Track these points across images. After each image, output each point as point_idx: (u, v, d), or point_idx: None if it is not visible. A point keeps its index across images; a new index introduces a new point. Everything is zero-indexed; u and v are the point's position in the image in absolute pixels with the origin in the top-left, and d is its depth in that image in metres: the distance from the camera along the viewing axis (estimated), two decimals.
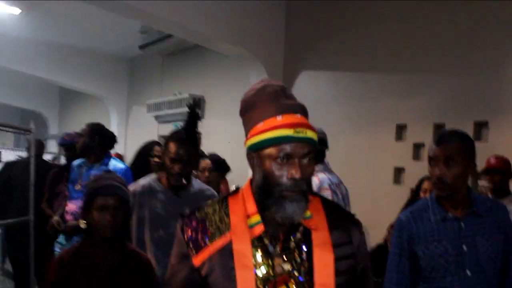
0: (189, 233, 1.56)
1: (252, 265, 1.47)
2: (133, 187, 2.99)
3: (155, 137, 9.18)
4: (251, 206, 1.53)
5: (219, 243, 1.51)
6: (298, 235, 1.52)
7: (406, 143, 5.49)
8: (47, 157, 5.82)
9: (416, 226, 2.37)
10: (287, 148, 1.44)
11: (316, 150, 1.50)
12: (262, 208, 1.51)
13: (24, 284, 5.49)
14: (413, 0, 5.51)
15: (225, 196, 1.64)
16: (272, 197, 1.46)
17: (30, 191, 5.18)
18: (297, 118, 1.46)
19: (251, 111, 1.52)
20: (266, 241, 1.50)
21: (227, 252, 1.49)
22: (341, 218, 1.60)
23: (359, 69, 6.14)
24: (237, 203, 1.57)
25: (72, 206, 4.23)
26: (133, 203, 2.81)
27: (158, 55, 10.57)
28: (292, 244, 1.51)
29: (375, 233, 4.68)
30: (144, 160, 4.61)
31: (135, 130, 11.65)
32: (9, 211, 5.60)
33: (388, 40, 5.79)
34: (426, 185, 4.12)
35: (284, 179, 1.44)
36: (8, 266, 7.21)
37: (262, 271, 1.47)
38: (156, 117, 10.40)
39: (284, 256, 1.49)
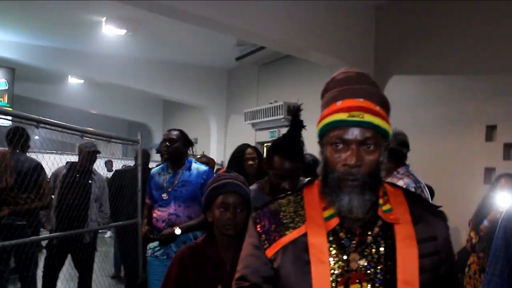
0: (262, 225, 1.51)
1: (328, 260, 1.39)
2: None
3: (252, 144, 9.61)
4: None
5: (293, 235, 1.45)
6: (376, 229, 1.42)
7: (497, 143, 5.50)
8: (152, 165, 6.21)
9: None
10: (341, 132, 1.36)
11: (386, 140, 1.41)
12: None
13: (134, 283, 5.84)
14: (497, 0, 5.52)
15: (300, 188, 1.57)
16: (329, 186, 1.39)
17: (138, 197, 5.66)
18: (357, 102, 1.37)
19: (323, 100, 1.48)
20: (342, 235, 1.41)
21: (301, 244, 1.43)
22: (425, 212, 1.48)
23: (446, 71, 6.18)
24: (312, 194, 1.50)
25: (163, 213, 4.15)
26: None
27: (254, 65, 10.97)
28: (369, 239, 1.41)
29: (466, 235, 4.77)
30: (239, 163, 4.53)
31: (233, 137, 12.14)
32: (120, 215, 6.07)
33: (473, 42, 5.81)
34: (503, 182, 4.17)
35: (339, 166, 1.37)
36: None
37: (337, 266, 1.39)
38: (253, 125, 10.76)
39: (360, 251, 1.40)
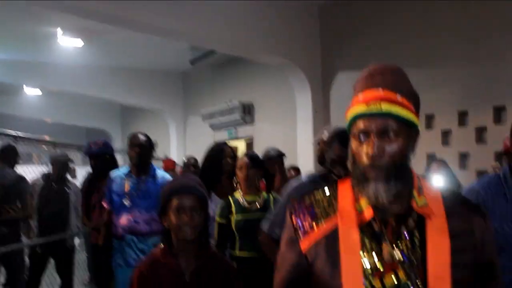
0: (298, 218, 1.50)
1: (360, 252, 1.37)
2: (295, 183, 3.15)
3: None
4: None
5: (326, 227, 1.44)
6: (411, 221, 1.39)
7: (435, 131, 6.05)
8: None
9: (492, 202, 2.23)
10: (362, 125, 1.37)
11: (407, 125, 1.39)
12: None
13: None
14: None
15: (335, 180, 1.59)
16: (356, 178, 1.40)
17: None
18: (376, 92, 1.38)
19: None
20: (376, 227, 1.40)
21: (334, 237, 1.42)
22: (462, 207, 1.45)
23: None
24: (345, 187, 1.49)
25: (123, 220, 4.08)
26: None
27: (208, 67, 11.36)
28: (404, 231, 1.39)
29: None
30: (217, 161, 4.43)
31: (193, 138, 12.47)
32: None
33: (407, 36, 6.40)
34: (435, 167, 4.46)
35: (363, 158, 1.37)
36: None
37: (370, 258, 1.37)
38: (211, 125, 11.13)
39: (394, 244, 1.38)
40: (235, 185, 4.04)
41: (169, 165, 7.91)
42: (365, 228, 1.40)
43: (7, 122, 14.59)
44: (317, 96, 7.76)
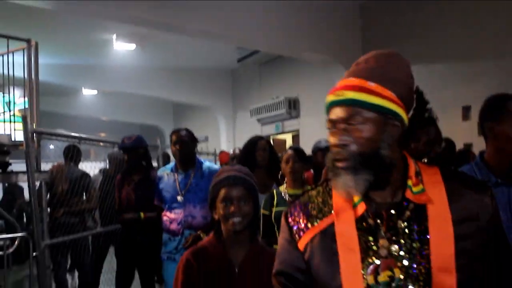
0: (293, 219, 1.47)
1: (358, 248, 1.32)
2: None
3: None
4: None
5: (321, 225, 1.40)
6: (408, 213, 1.32)
7: (472, 122, 6.30)
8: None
9: None
10: (330, 114, 1.35)
11: (380, 111, 1.31)
12: None
13: None
14: None
15: (328, 178, 1.46)
16: (330, 169, 1.35)
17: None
18: (347, 81, 1.34)
19: None
20: (370, 221, 1.34)
21: (329, 234, 1.37)
22: (466, 189, 1.36)
23: (426, 61, 6.98)
24: None
25: (177, 215, 4.05)
26: None
27: (255, 65, 11.82)
28: (400, 223, 1.31)
29: None
30: (249, 154, 4.47)
31: (241, 133, 12.85)
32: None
33: (448, 32, 6.67)
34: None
35: (331, 148, 1.34)
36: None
37: (366, 253, 1.31)
38: (259, 120, 11.58)
39: (389, 237, 1.31)
40: (279, 178, 4.11)
41: (224, 158, 8.03)
42: (360, 223, 1.35)
43: (67, 121, 15.52)
44: None
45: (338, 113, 1.31)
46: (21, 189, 9.76)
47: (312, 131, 9.53)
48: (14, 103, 10.42)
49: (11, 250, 5.72)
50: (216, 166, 4.30)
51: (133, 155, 4.86)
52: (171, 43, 10.23)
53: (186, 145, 4.15)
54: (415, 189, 1.33)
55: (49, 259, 4.40)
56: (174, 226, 4.03)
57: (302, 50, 8.03)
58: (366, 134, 1.29)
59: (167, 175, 4.22)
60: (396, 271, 1.27)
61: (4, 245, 4.87)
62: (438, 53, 6.80)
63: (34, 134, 4.15)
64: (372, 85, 1.31)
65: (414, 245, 1.29)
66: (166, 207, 4.16)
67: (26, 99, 5.10)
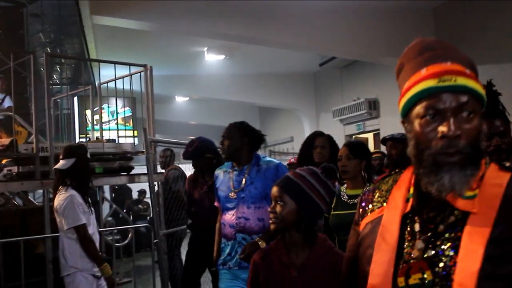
0: (362, 202, 1.46)
1: (395, 242, 1.25)
2: None
3: (342, 138, 11.05)
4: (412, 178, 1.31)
5: (376, 213, 1.37)
6: (452, 218, 1.20)
7: None
8: None
9: None
10: (433, 102, 1.18)
11: (481, 102, 1.20)
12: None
13: None
14: None
15: (406, 166, 1.39)
16: (424, 166, 1.19)
17: None
18: (445, 66, 1.19)
19: (400, 75, 1.33)
20: (416, 219, 1.26)
21: (377, 224, 1.34)
22: None
23: (498, 61, 7.26)
24: (407, 173, 1.35)
25: (230, 217, 3.66)
26: None
27: (336, 68, 12.32)
28: (441, 228, 1.20)
29: None
30: (306, 152, 4.41)
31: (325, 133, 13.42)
32: None
33: None
34: None
35: (435, 141, 1.16)
36: None
37: (402, 250, 1.24)
38: (341, 121, 12.10)
39: (426, 239, 1.21)
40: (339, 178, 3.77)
41: None
42: (409, 219, 1.28)
43: (162, 127, 16.76)
44: None
45: (450, 100, 1.16)
46: (129, 190, 10.95)
47: (392, 130, 9.75)
48: (117, 112, 11.75)
49: (126, 242, 6.75)
50: (275, 161, 3.88)
51: (199, 161, 4.88)
52: (257, 52, 10.96)
53: (228, 140, 3.73)
54: (467, 193, 1.17)
55: (165, 246, 5.27)
56: (227, 230, 3.67)
57: (379, 55, 8.58)
58: (476, 125, 1.17)
59: (223, 173, 3.86)
60: (428, 273, 1.17)
61: (113, 239, 5.76)
62: (511, 54, 7.06)
63: (151, 143, 5.03)
64: (468, 71, 1.20)
65: (448, 253, 1.17)
66: (221, 208, 3.81)
67: (127, 108, 6.05)
